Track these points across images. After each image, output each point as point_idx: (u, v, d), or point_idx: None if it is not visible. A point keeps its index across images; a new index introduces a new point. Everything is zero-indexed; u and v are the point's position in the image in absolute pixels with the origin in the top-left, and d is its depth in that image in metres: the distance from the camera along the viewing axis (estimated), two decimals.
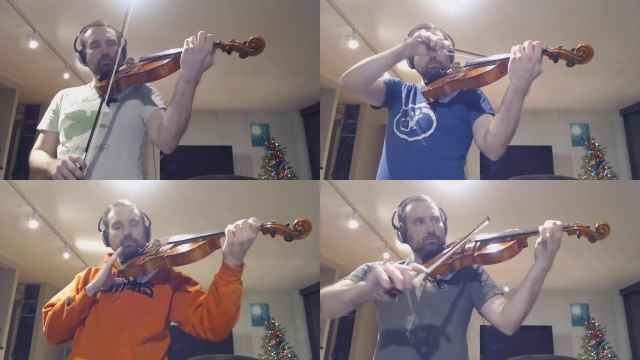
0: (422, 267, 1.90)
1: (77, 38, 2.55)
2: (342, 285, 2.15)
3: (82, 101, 2.50)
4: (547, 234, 2.04)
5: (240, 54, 2.21)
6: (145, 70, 2.33)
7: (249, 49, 2.20)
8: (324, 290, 2.12)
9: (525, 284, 2.09)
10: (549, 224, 2.06)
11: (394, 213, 2.37)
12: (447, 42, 2.34)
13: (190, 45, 2.18)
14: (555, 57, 2.19)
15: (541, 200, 3.90)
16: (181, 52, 2.20)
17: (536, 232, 2.09)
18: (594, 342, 5.48)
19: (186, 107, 2.26)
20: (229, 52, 2.22)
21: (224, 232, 2.05)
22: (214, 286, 2.10)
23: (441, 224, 2.31)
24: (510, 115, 2.22)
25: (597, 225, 2.11)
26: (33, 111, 4.99)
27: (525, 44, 2.15)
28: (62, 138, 2.49)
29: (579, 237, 2.11)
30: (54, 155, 2.50)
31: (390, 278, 1.79)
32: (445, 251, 2.20)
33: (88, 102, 2.49)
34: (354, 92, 2.51)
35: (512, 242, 2.13)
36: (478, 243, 2.18)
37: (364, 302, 2.12)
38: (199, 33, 2.18)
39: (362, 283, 1.98)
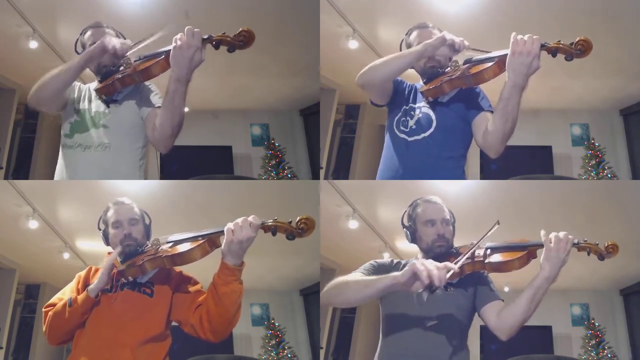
0: (453, 265, 1.95)
1: (77, 40, 2.55)
2: (358, 276, 2.15)
3: (87, 101, 2.51)
4: (554, 244, 2.03)
5: (228, 47, 2.16)
6: (139, 71, 2.32)
7: (237, 42, 2.15)
8: (338, 280, 2.12)
9: (527, 290, 2.08)
10: (558, 234, 2.05)
11: (404, 212, 2.36)
12: (467, 43, 2.33)
13: (179, 43, 2.13)
14: (554, 51, 2.18)
15: (541, 200, 3.90)
16: None
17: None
18: (594, 342, 5.49)
19: (178, 106, 2.23)
20: (217, 47, 2.16)
21: (223, 231, 2.02)
22: (213, 286, 2.08)
23: (450, 227, 2.31)
24: (508, 112, 2.20)
25: (606, 245, 2.12)
26: (33, 111, 4.99)
27: (526, 37, 2.14)
28: (66, 130, 2.48)
29: (588, 254, 2.11)
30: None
31: (429, 275, 1.86)
32: (466, 248, 2.20)
33: (91, 102, 2.49)
34: (369, 90, 2.49)
35: (523, 252, 2.12)
36: (489, 250, 2.18)
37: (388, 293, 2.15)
38: (186, 29, 2.13)
39: (396, 274, 1.97)
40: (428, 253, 2.28)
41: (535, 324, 5.37)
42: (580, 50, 2.16)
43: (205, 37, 2.15)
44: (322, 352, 4.84)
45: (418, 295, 2.21)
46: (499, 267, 2.14)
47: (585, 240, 2.10)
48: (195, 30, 2.13)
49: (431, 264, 1.88)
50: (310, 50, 3.86)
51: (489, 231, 2.17)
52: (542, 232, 2.07)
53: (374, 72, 2.38)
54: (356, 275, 2.18)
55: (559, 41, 2.17)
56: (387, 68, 2.37)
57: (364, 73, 2.40)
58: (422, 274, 1.87)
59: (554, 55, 2.18)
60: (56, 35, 4.03)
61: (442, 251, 2.24)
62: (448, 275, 1.90)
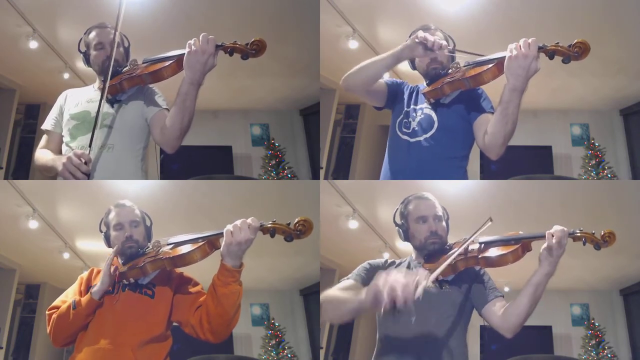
0: (423, 280, 1.78)
1: (81, 39, 2.56)
2: (343, 287, 2.14)
3: (86, 102, 2.52)
4: (554, 240, 2.02)
5: (242, 55, 2.24)
6: (149, 72, 2.35)
7: (250, 50, 2.22)
8: (324, 295, 2.10)
9: (527, 288, 2.08)
10: (555, 229, 2.04)
11: (396, 210, 2.36)
12: (444, 43, 2.34)
13: (193, 48, 2.19)
14: (551, 53, 2.18)
15: (541, 200, 3.90)
16: (184, 54, 2.22)
17: (542, 237, 2.06)
18: (594, 342, 5.49)
19: (189, 108, 2.28)
20: (230, 54, 2.24)
21: (222, 233, 2.03)
22: (212, 287, 2.09)
23: (444, 224, 2.30)
24: (508, 115, 2.22)
25: (602, 233, 2.09)
26: (33, 111, 4.99)
27: (521, 41, 2.15)
28: (66, 138, 2.50)
29: (584, 244, 2.08)
30: (58, 154, 2.51)
31: (391, 296, 1.73)
32: (448, 254, 2.19)
33: (92, 102, 2.50)
34: (355, 93, 2.53)
35: (517, 246, 2.12)
36: (482, 245, 2.17)
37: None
38: (201, 35, 2.20)
39: (362, 296, 1.86)
40: (422, 251, 2.27)
41: (535, 324, 5.37)
42: (577, 52, 2.17)
43: (219, 44, 2.22)
44: (322, 352, 4.84)
45: None
46: (493, 262, 2.14)
47: (581, 230, 2.08)
48: (210, 37, 2.20)
49: (396, 281, 1.74)
50: (310, 50, 3.86)
51: (481, 228, 2.16)
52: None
53: (355, 76, 2.43)
54: (346, 283, 2.17)
55: (557, 43, 2.18)
56: (367, 71, 2.41)
57: (346, 77, 2.44)
58: (381, 296, 1.74)
59: (551, 58, 2.19)
60: (56, 35, 4.03)
61: (435, 248, 2.24)
62: (418, 291, 1.74)
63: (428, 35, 2.31)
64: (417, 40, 2.31)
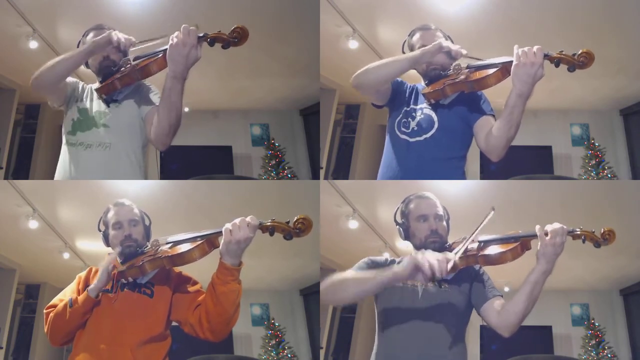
0: (452, 255, 2.04)
1: (79, 42, 2.56)
2: (355, 273, 2.17)
3: (89, 100, 2.52)
4: (551, 238, 2.03)
5: (222, 44, 2.19)
6: (138, 68, 2.34)
7: (232, 39, 2.18)
8: (336, 277, 2.13)
9: (524, 286, 2.08)
10: (553, 227, 2.05)
11: (397, 209, 2.36)
12: (465, 51, 2.36)
13: (175, 40, 2.16)
14: (556, 62, 2.21)
15: (541, 200, 3.91)
16: None
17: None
18: (594, 342, 5.49)
19: (175, 103, 2.24)
20: (211, 44, 2.20)
21: (221, 231, 2.03)
22: (211, 286, 2.09)
23: (444, 223, 2.30)
24: (513, 119, 2.24)
25: (602, 231, 2.09)
26: (33, 111, 5.00)
27: (526, 49, 2.17)
28: (67, 127, 2.49)
29: (584, 242, 2.10)
30: (62, 96, 2.49)
31: (430, 266, 1.96)
32: (466, 237, 2.19)
33: (93, 101, 2.50)
34: (364, 92, 2.52)
35: (516, 244, 2.12)
36: (482, 244, 2.17)
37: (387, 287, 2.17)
38: (182, 27, 2.16)
39: (397, 268, 2.04)
40: (421, 250, 2.27)
41: (535, 324, 5.37)
42: (582, 62, 2.20)
43: (201, 35, 2.18)
44: (322, 352, 4.84)
45: (412, 293, 2.21)
46: (492, 260, 2.13)
47: (581, 228, 2.10)
48: (191, 28, 2.16)
49: (431, 256, 1.98)
50: (310, 50, 3.86)
51: (485, 219, 2.17)
52: (537, 227, 2.07)
53: (368, 74, 2.41)
54: (352, 272, 2.19)
55: (562, 51, 2.20)
56: (382, 72, 2.40)
57: (358, 75, 2.43)
58: (424, 266, 1.96)
59: (556, 66, 2.22)
60: (56, 35, 4.03)
61: (435, 247, 2.23)
62: (449, 265, 1.98)
63: (451, 45, 2.34)
64: (443, 49, 2.33)
